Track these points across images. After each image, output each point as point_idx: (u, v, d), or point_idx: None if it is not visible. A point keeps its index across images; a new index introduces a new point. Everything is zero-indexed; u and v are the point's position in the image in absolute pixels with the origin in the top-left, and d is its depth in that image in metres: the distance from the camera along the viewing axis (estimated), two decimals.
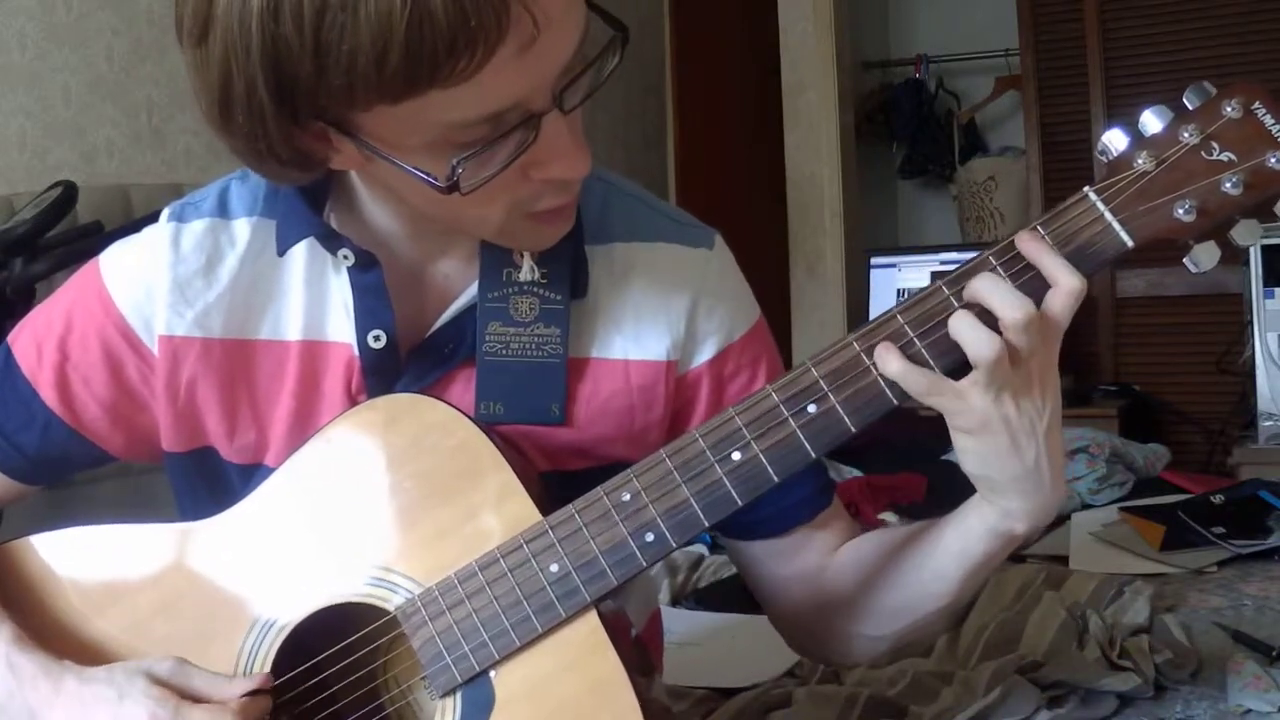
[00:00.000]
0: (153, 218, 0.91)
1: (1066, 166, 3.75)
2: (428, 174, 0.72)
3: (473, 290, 0.87)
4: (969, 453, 0.79)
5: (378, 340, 0.86)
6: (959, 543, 0.85)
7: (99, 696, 0.79)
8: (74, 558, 0.89)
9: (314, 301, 0.88)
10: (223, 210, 0.90)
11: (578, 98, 0.74)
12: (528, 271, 0.86)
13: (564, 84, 0.72)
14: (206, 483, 0.91)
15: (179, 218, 0.90)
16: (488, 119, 0.70)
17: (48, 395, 0.90)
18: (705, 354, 0.92)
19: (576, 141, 0.75)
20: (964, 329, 0.74)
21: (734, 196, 4.15)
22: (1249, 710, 1.24)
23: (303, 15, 0.64)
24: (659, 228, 0.93)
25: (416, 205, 0.81)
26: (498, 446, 0.81)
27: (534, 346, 0.87)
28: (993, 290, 0.74)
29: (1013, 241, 0.76)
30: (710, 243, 0.94)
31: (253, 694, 0.80)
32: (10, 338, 0.93)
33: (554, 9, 0.67)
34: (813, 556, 0.96)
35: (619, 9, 0.73)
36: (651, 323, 0.90)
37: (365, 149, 0.73)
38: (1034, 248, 0.75)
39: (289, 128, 0.71)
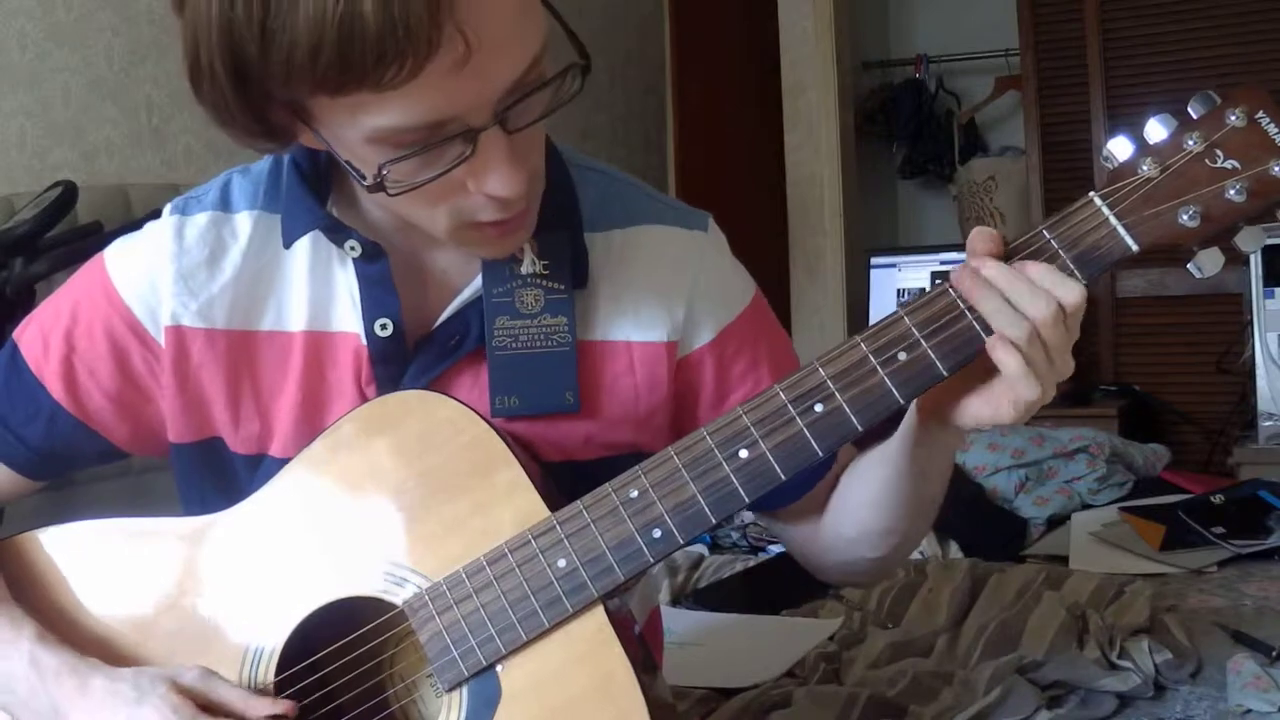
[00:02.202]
0: (155, 215, 0.92)
1: (1066, 166, 3.75)
2: (359, 170, 0.74)
3: (476, 284, 0.88)
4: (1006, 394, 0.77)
5: (384, 329, 0.87)
6: (948, 464, 0.88)
7: (121, 696, 0.80)
8: (80, 552, 0.90)
9: (318, 293, 0.89)
10: (225, 204, 0.91)
11: (525, 119, 0.74)
12: (529, 264, 0.87)
13: (510, 102, 0.72)
14: (213, 474, 0.92)
15: (182, 211, 0.91)
16: (421, 128, 0.71)
17: (54, 387, 0.91)
18: (706, 335, 0.93)
19: (513, 161, 0.75)
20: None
21: (734, 197, 4.14)
22: (1249, 710, 1.24)
23: (253, 2, 0.66)
24: (654, 211, 0.94)
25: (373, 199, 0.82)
26: (507, 443, 0.81)
27: (543, 337, 0.87)
28: (1012, 285, 0.75)
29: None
30: (704, 225, 0.96)
31: (274, 717, 0.80)
32: (16, 332, 0.94)
33: (493, 31, 0.68)
34: (814, 515, 0.98)
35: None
36: (652, 304, 0.91)
37: (316, 136, 0.75)
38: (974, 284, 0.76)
39: (246, 102, 0.72)
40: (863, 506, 0.93)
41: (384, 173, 0.73)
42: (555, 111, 0.75)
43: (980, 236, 0.77)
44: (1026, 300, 0.74)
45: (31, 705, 0.83)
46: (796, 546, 1.02)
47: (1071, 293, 0.75)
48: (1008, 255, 0.77)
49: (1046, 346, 0.75)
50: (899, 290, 3.50)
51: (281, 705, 0.81)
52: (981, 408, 0.78)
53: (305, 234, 0.88)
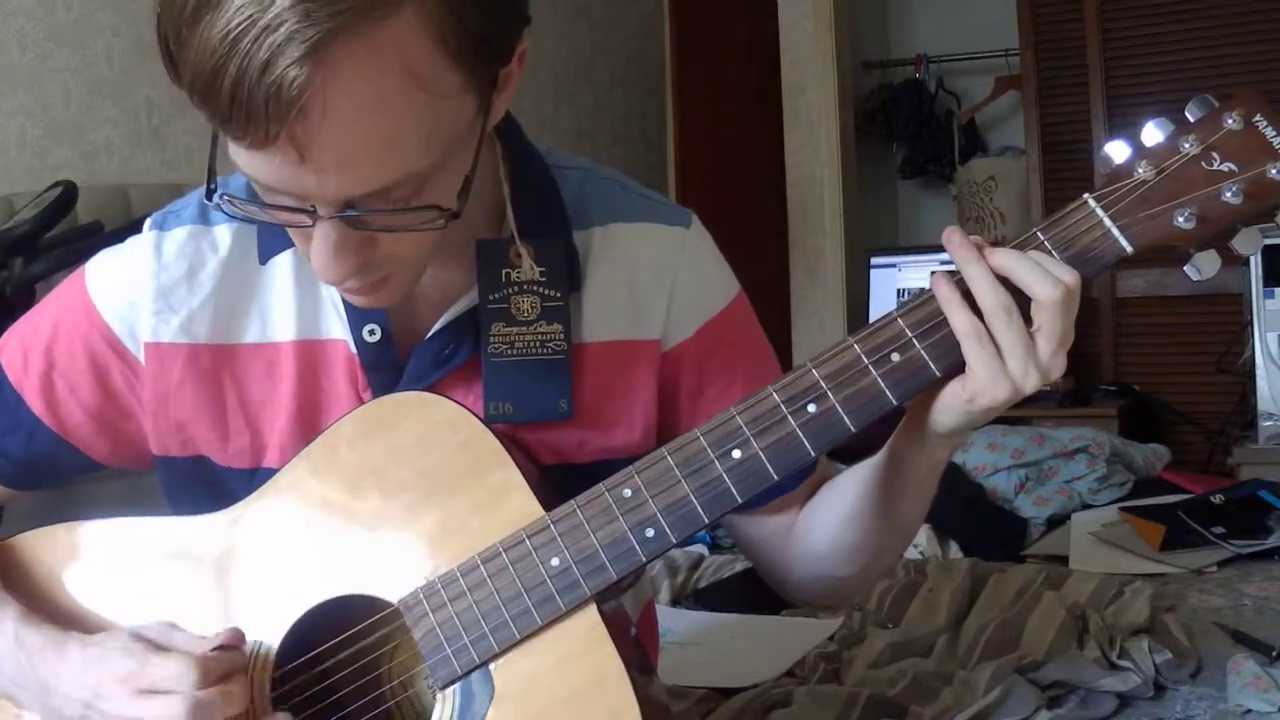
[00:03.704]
0: (136, 227, 0.92)
1: (1066, 167, 3.75)
2: (212, 178, 0.75)
3: (472, 295, 0.88)
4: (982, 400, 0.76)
5: (372, 335, 0.87)
6: (930, 480, 0.86)
7: (91, 654, 0.82)
8: (77, 553, 0.90)
9: (305, 302, 0.89)
10: (203, 217, 0.91)
11: (372, 226, 0.73)
12: (528, 270, 0.87)
13: (351, 210, 0.71)
14: (205, 485, 0.91)
15: (160, 226, 0.91)
16: (267, 187, 0.72)
17: (33, 402, 0.91)
18: (687, 331, 0.93)
19: (338, 253, 0.73)
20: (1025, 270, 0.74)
21: (734, 196, 4.14)
22: (1249, 710, 1.24)
23: (179, 13, 0.67)
24: (636, 207, 0.94)
25: None
26: (503, 443, 0.81)
27: (538, 345, 0.87)
28: (1019, 265, 0.75)
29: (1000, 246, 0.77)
30: (687, 221, 0.95)
31: (221, 649, 0.81)
32: None
33: (331, 154, 0.68)
34: (784, 519, 0.97)
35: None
36: (635, 302, 0.91)
37: None
38: (1006, 261, 0.75)
39: (178, 77, 0.73)
40: (836, 520, 0.92)
41: (216, 194, 0.75)
42: (417, 230, 0.74)
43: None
44: (1019, 271, 0.74)
45: (21, 683, 0.84)
46: (764, 555, 1.00)
47: (1067, 275, 0.74)
48: None
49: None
50: (899, 290, 3.51)
51: (225, 636, 0.81)
52: (952, 397, 0.78)
53: (283, 251, 0.88)
